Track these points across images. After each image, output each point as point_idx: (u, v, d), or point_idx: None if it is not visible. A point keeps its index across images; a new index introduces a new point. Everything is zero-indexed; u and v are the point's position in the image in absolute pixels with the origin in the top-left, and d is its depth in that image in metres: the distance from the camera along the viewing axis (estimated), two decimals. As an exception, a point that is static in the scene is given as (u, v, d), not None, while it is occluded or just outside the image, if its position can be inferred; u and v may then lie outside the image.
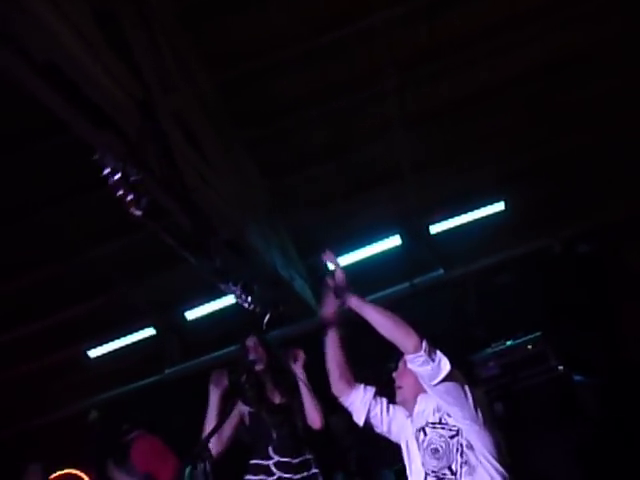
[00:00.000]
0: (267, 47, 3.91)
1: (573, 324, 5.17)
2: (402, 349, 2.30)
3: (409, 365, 2.31)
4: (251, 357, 3.44)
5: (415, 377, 2.39)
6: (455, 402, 2.29)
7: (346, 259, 6.01)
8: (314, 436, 3.41)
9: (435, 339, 2.31)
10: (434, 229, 5.93)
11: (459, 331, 5.65)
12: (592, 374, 4.63)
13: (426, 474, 2.36)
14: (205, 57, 3.82)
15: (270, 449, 3.30)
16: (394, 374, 2.56)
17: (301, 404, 3.37)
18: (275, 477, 3.25)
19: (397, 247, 5.99)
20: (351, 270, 6.13)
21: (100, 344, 6.07)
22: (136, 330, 6.17)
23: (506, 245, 6.09)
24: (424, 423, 2.42)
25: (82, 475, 5.59)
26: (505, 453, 2.35)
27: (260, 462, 3.32)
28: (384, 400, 2.60)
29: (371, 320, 2.37)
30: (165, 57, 3.09)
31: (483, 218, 5.82)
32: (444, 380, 2.24)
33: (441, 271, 6.09)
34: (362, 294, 6.71)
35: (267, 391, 3.49)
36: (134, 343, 6.21)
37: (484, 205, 5.78)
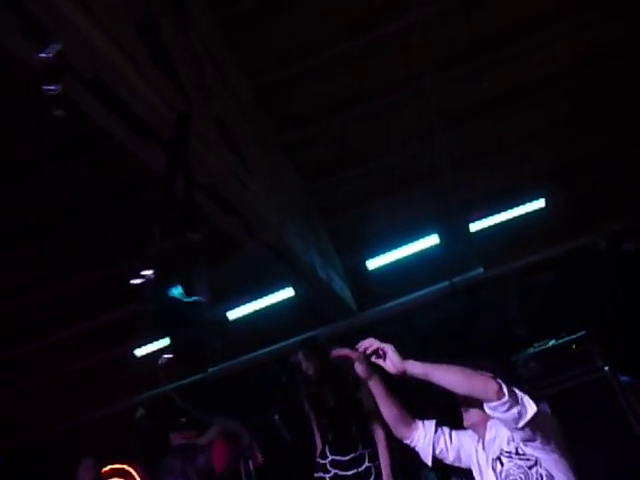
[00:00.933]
0: (304, 50, 3.97)
1: (618, 323, 5.04)
2: (483, 399, 2.16)
3: (492, 413, 2.17)
4: (303, 366, 3.61)
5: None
6: (537, 437, 2.20)
7: (385, 258, 6.03)
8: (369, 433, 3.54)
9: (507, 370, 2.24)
10: (474, 227, 5.86)
11: (500, 331, 5.58)
12: (637, 375, 4.50)
13: None
14: (243, 63, 3.90)
15: (327, 449, 3.58)
16: (460, 398, 2.44)
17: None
18: (331, 474, 3.51)
19: (436, 246, 5.95)
20: (390, 269, 6.18)
21: (145, 343, 6.23)
22: (180, 329, 6.31)
23: (547, 243, 5.98)
24: (499, 452, 2.34)
25: (131, 470, 5.77)
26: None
27: (320, 461, 3.60)
28: (446, 430, 2.53)
29: (442, 383, 2.21)
30: (204, 64, 3.17)
31: (523, 216, 5.72)
32: (530, 421, 2.13)
33: (481, 270, 6.02)
34: (402, 293, 6.68)
35: (322, 394, 3.64)
36: (178, 342, 6.34)
37: (524, 202, 5.69)
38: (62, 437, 6.45)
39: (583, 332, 4.59)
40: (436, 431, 2.50)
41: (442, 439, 2.49)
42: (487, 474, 2.39)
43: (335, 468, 3.51)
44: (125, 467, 5.88)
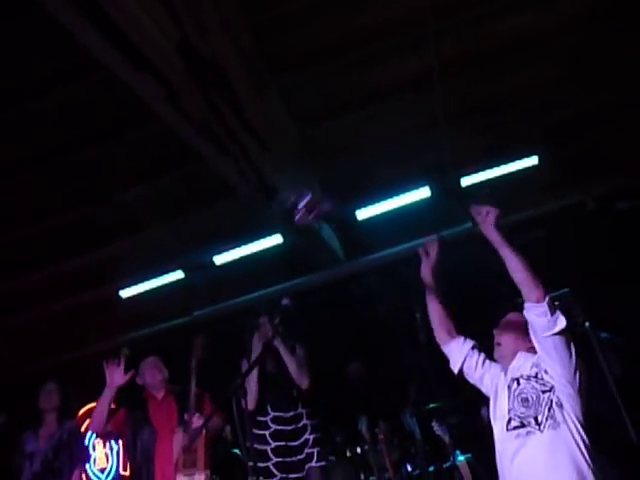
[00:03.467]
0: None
1: (604, 282, 5.12)
2: (526, 296, 2.40)
3: (526, 312, 2.40)
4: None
5: (516, 336, 2.55)
6: (558, 359, 2.38)
7: (374, 209, 6.01)
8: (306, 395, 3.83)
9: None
10: (465, 182, 5.84)
11: (484, 285, 5.64)
12: (619, 333, 4.61)
13: (510, 418, 2.47)
14: (242, 2, 3.74)
15: (268, 407, 3.77)
16: (495, 331, 2.68)
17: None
18: (271, 430, 3.70)
19: (426, 199, 5.94)
20: (379, 221, 6.19)
21: (131, 285, 6.22)
22: (166, 273, 6.30)
23: (538, 201, 6.00)
24: (519, 375, 2.53)
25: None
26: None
27: (260, 418, 3.75)
28: (482, 354, 2.74)
29: (506, 259, 2.49)
30: (203, 2, 3.04)
31: (515, 173, 5.71)
32: (555, 334, 2.34)
33: (469, 224, 6.04)
34: (390, 245, 6.74)
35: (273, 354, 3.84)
36: (164, 285, 6.35)
37: (517, 159, 5.66)
38: (47, 374, 6.48)
39: (567, 289, 4.65)
40: (472, 349, 2.75)
41: (475, 358, 2.73)
42: (502, 395, 2.57)
43: (276, 424, 3.70)
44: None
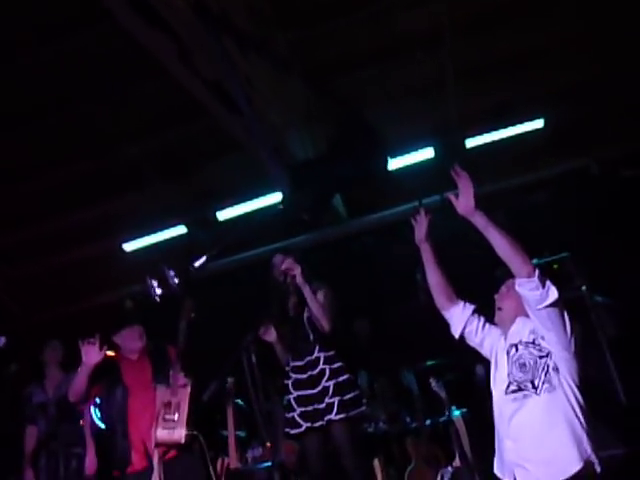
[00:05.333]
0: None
1: (604, 248, 5.17)
2: (516, 272, 2.42)
3: (518, 288, 2.43)
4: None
5: (516, 301, 2.57)
6: (553, 328, 2.43)
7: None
8: (326, 339, 3.67)
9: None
10: (470, 143, 5.82)
11: (485, 247, 5.70)
12: (616, 297, 4.70)
13: (509, 383, 2.55)
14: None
15: (289, 356, 3.71)
16: (496, 296, 2.72)
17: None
18: (292, 380, 3.65)
19: (431, 159, 5.93)
20: (383, 179, 6.17)
21: (135, 238, 6.27)
22: (169, 227, 6.34)
23: (542, 165, 6.00)
24: (517, 341, 2.60)
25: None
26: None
27: (286, 368, 3.73)
28: (482, 318, 2.79)
29: (493, 239, 2.47)
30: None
31: (521, 135, 5.68)
32: (548, 306, 2.38)
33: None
34: (394, 204, 6.74)
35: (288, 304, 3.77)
36: (166, 240, 6.39)
37: (523, 122, 5.62)
38: (53, 325, 6.61)
39: (566, 253, 4.72)
40: (473, 314, 2.79)
41: (475, 322, 2.77)
42: (501, 359, 2.66)
43: (294, 372, 3.66)
44: (112, 354, 6.11)
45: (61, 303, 6.83)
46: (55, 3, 3.48)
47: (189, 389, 3.47)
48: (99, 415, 6.06)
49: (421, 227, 2.82)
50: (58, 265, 6.52)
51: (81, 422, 4.45)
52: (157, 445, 3.41)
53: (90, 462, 4.28)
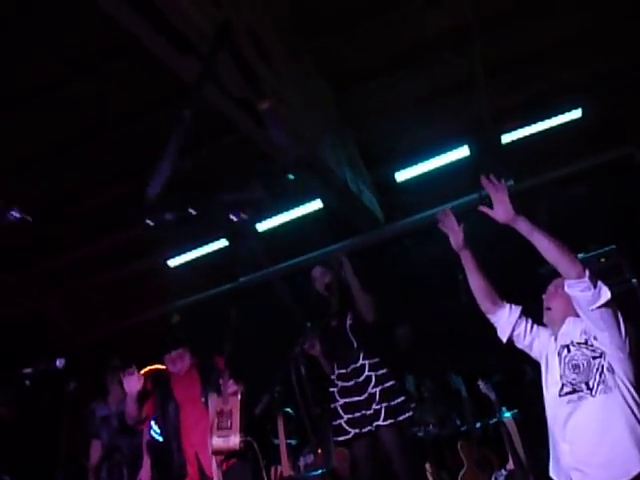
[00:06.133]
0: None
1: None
2: (565, 274, 2.38)
3: (568, 289, 2.39)
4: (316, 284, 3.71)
5: (565, 300, 2.52)
6: (606, 328, 2.38)
7: (414, 170, 5.98)
8: (370, 345, 3.70)
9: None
10: (506, 138, 5.73)
11: (527, 244, 5.59)
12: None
13: (563, 385, 2.51)
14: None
15: (335, 364, 3.75)
16: (544, 296, 2.69)
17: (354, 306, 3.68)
18: (338, 387, 3.70)
19: (466, 158, 5.86)
20: (418, 182, 6.16)
21: (179, 254, 6.42)
22: (210, 241, 6.46)
23: (581, 155, 5.84)
24: (569, 342, 2.55)
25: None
26: None
27: (332, 376, 3.78)
28: (529, 320, 2.74)
29: (539, 244, 2.44)
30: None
31: (558, 127, 5.56)
32: (601, 307, 2.34)
33: (511, 182, 5.95)
34: (430, 206, 6.69)
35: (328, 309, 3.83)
36: (209, 254, 6.52)
37: (560, 113, 5.50)
38: (99, 343, 6.82)
39: (613, 246, 4.59)
40: (520, 316, 2.73)
41: (523, 325, 2.71)
42: (553, 361, 2.60)
43: (340, 380, 3.69)
44: (162, 367, 6.26)
45: (111, 320, 7.04)
46: (86, 36, 3.61)
47: (239, 396, 3.54)
48: (157, 430, 6.24)
49: (457, 235, 2.76)
50: (107, 283, 6.72)
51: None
52: (214, 453, 3.48)
53: (145, 474, 4.40)
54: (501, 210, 2.52)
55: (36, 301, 6.71)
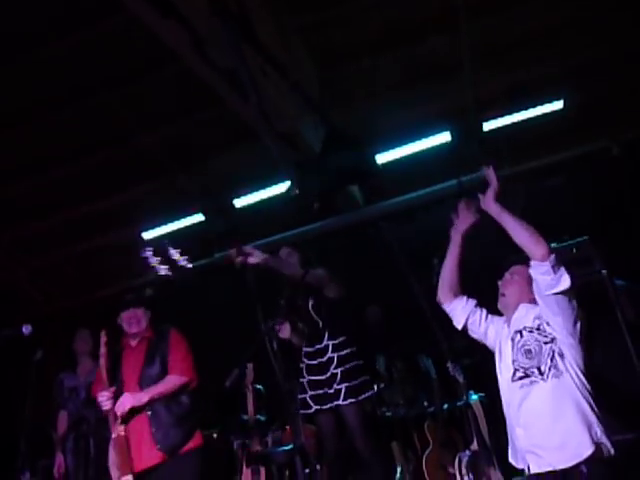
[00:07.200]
0: None
1: (621, 231, 5.09)
2: (531, 255, 2.43)
3: (531, 271, 2.44)
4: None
5: (520, 287, 2.61)
6: (560, 312, 2.43)
7: (394, 154, 5.97)
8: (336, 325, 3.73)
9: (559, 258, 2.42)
10: (487, 126, 5.74)
11: (502, 232, 5.65)
12: (635, 281, 4.63)
13: (515, 370, 2.56)
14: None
15: (304, 341, 3.82)
16: (499, 282, 2.74)
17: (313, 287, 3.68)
18: (305, 364, 3.77)
19: (447, 143, 5.87)
20: (399, 165, 6.16)
21: (153, 227, 6.33)
22: (186, 215, 6.39)
23: (561, 146, 5.90)
24: (522, 327, 2.60)
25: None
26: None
27: (300, 352, 3.84)
28: (484, 310, 2.82)
29: (507, 225, 2.52)
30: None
31: (539, 117, 5.58)
32: (558, 294, 2.39)
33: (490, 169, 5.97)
34: (409, 190, 6.68)
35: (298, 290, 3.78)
36: (185, 227, 6.44)
37: (542, 103, 5.52)
38: (73, 312, 6.74)
39: (586, 237, 4.65)
40: (475, 305, 2.82)
41: (477, 314, 2.80)
42: (506, 346, 2.66)
43: (306, 358, 3.78)
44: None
45: (82, 291, 6.95)
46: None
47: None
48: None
49: (465, 220, 2.82)
50: (78, 254, 6.62)
51: None
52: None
53: None
54: (488, 198, 2.66)
55: (6, 269, 6.59)
